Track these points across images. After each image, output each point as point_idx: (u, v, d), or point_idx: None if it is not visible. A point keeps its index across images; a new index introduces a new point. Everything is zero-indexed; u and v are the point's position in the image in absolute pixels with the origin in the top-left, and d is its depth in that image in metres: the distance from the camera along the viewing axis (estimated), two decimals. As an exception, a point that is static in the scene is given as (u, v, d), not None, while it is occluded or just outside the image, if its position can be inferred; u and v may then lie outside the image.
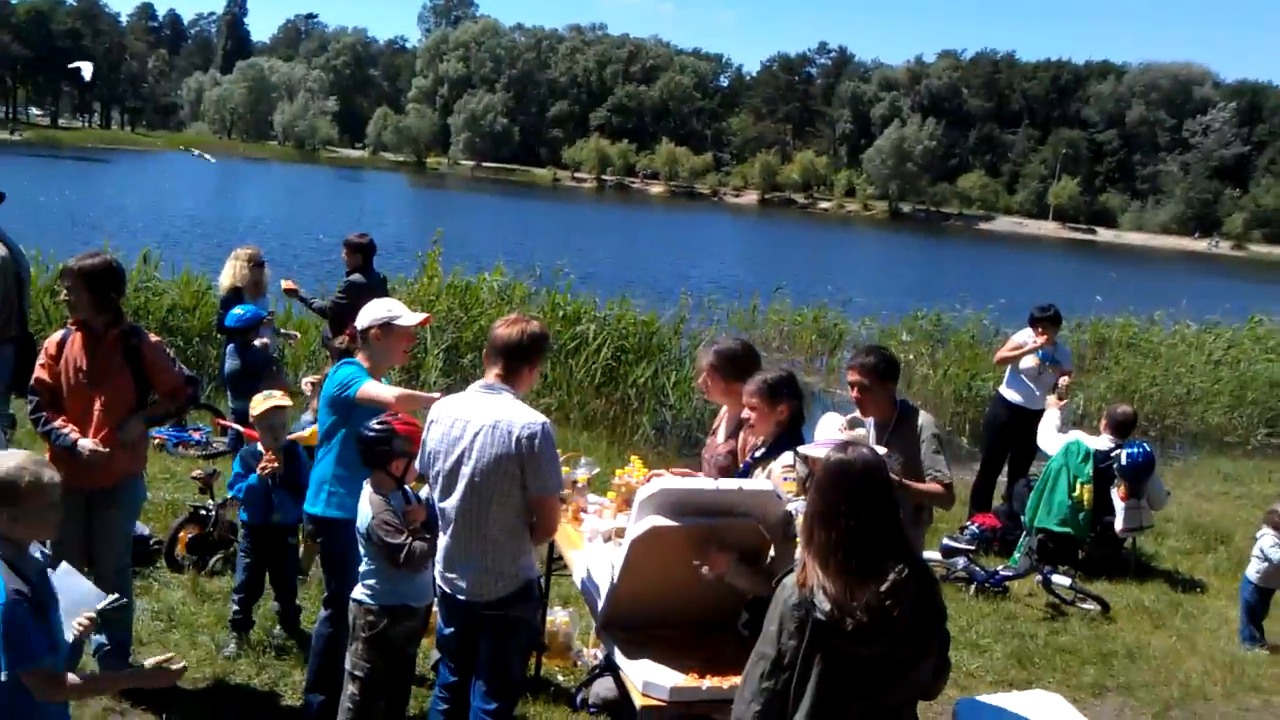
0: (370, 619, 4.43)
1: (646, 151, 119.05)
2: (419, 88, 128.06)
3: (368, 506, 4.43)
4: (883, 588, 3.12)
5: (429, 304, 12.58)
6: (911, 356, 16.87)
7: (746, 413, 4.80)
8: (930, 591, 3.26)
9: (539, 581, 4.80)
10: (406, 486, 4.53)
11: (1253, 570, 7.53)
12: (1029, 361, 9.25)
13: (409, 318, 5.00)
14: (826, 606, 3.09)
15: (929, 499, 5.22)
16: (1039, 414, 9.32)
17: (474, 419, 4.17)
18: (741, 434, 5.09)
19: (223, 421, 8.56)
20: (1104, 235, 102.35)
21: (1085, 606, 7.65)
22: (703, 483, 4.47)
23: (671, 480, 4.40)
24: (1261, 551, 7.47)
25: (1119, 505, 8.50)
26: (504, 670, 4.29)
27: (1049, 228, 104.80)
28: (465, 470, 4.15)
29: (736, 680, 3.73)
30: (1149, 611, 7.75)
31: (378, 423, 4.47)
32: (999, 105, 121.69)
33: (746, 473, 4.74)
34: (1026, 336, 9.35)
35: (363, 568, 4.51)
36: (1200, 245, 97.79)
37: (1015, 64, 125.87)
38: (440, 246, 13.31)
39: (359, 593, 4.51)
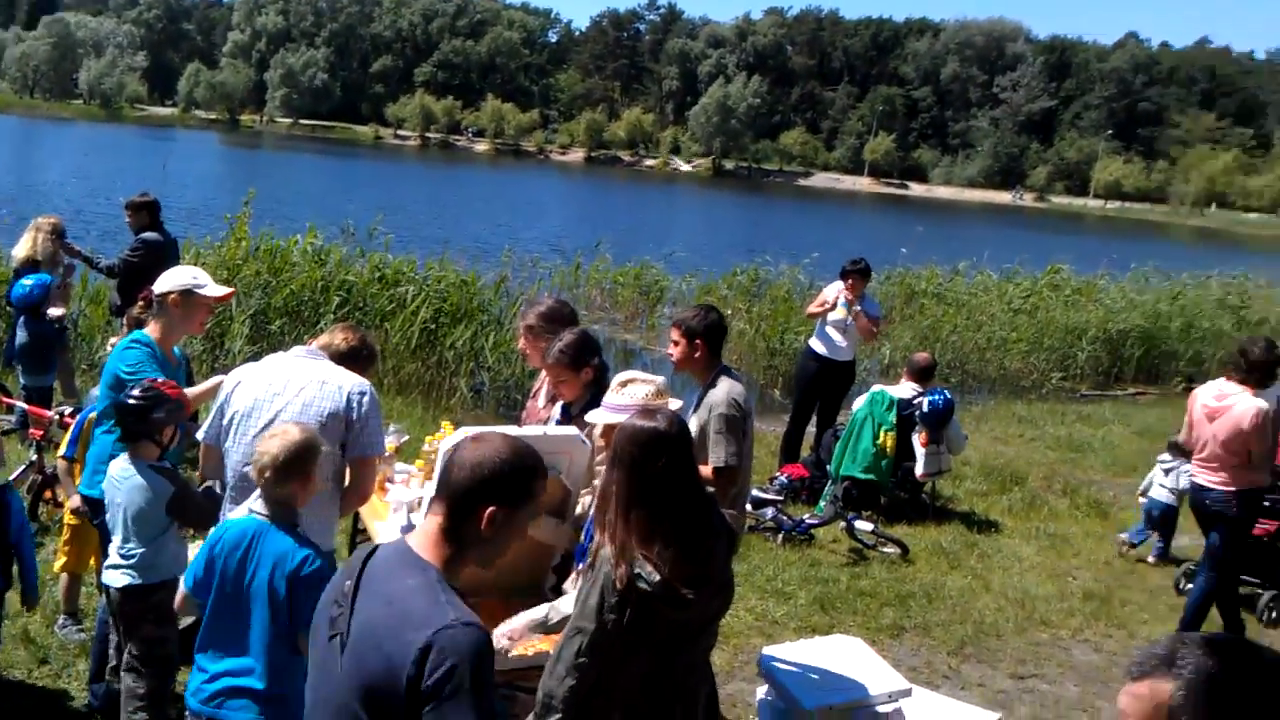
0: (154, 599, 4.27)
1: (472, 108, 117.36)
2: (235, 42, 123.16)
3: (139, 479, 4.27)
4: (700, 552, 3.17)
5: (236, 269, 12.14)
6: (730, 312, 17.16)
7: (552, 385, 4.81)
8: (733, 546, 3.34)
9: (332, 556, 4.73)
10: None
11: (1160, 492, 8.29)
12: (836, 314, 9.49)
13: (213, 289, 4.83)
14: (655, 578, 3.06)
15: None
16: (846, 365, 9.64)
17: (296, 378, 4.09)
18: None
19: (8, 400, 8.10)
20: (916, 190, 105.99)
21: (886, 550, 7.97)
22: (505, 429, 4.43)
23: (473, 429, 4.35)
24: (1163, 474, 8.24)
25: (919, 451, 8.87)
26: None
27: (864, 183, 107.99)
28: None
29: (544, 647, 3.80)
30: (946, 553, 8.12)
31: (141, 390, 4.30)
32: (821, 63, 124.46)
33: None
34: (836, 290, 9.57)
35: (122, 549, 4.32)
36: (1005, 198, 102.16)
37: (839, 21, 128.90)
38: (250, 209, 12.85)
39: (122, 578, 4.31)
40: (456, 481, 2.42)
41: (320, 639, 2.47)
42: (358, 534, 5.57)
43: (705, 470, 4.91)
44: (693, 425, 5.12)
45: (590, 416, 4.23)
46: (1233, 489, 6.25)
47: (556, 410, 5.02)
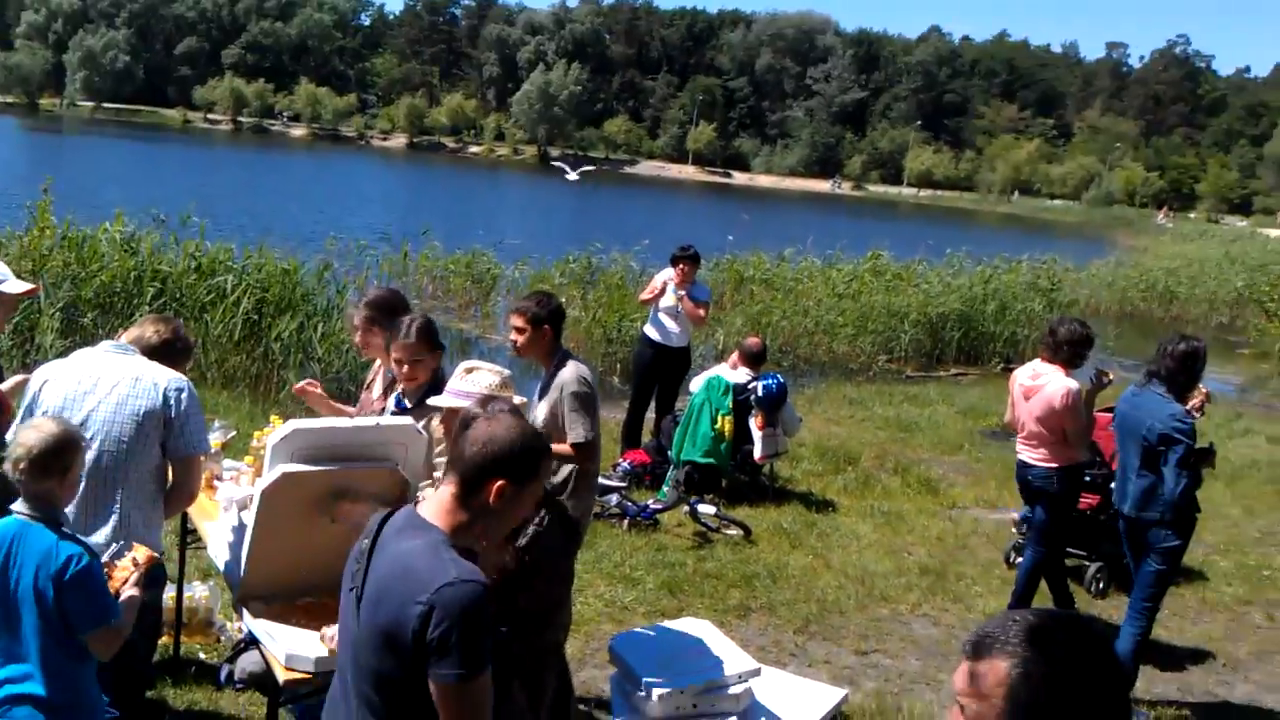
0: None
1: (286, 92, 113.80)
2: (29, 23, 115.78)
3: None
4: (523, 541, 3.20)
5: (42, 260, 11.45)
6: (565, 300, 17.06)
7: (395, 365, 4.66)
8: (574, 536, 3.31)
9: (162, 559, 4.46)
10: None
11: None
12: (667, 301, 9.54)
13: (14, 284, 4.49)
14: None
15: (564, 459, 5.11)
16: (680, 351, 9.69)
17: (108, 374, 3.87)
18: (399, 387, 4.90)
19: None
20: (739, 178, 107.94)
21: (729, 532, 8.03)
22: (339, 422, 4.24)
23: (305, 421, 4.14)
24: None
25: (757, 434, 8.98)
26: (126, 657, 3.94)
27: (689, 171, 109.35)
28: (97, 427, 3.85)
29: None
30: (787, 533, 8.23)
31: None
32: (639, 52, 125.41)
33: None
34: (667, 276, 9.63)
35: None
36: (825, 186, 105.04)
37: (653, 11, 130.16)
38: (51, 196, 12.07)
39: None
40: (469, 456, 2.58)
41: (344, 594, 2.69)
42: (187, 534, 5.26)
43: (565, 447, 5.00)
44: (543, 409, 5.08)
45: (435, 401, 4.10)
46: (1052, 465, 6.46)
47: (391, 402, 4.88)
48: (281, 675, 3.76)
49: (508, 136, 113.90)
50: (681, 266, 9.51)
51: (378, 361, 5.20)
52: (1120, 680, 1.70)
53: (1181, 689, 6.30)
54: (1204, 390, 6.27)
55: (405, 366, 4.64)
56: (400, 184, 59.46)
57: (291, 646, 3.78)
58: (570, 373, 5.07)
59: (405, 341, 4.60)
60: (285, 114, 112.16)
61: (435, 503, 2.63)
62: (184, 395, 3.95)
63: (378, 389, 5.17)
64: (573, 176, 41.93)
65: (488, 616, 2.46)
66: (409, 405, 4.67)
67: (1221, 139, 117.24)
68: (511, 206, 48.91)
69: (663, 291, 9.54)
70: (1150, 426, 5.70)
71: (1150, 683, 6.25)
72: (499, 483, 2.57)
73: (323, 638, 3.71)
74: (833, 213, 62.01)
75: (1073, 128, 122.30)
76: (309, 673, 3.73)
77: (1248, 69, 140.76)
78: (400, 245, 18.69)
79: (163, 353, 4.13)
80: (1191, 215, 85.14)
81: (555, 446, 5.02)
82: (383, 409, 4.93)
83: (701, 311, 9.69)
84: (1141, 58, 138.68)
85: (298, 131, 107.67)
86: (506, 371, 4.25)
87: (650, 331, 9.77)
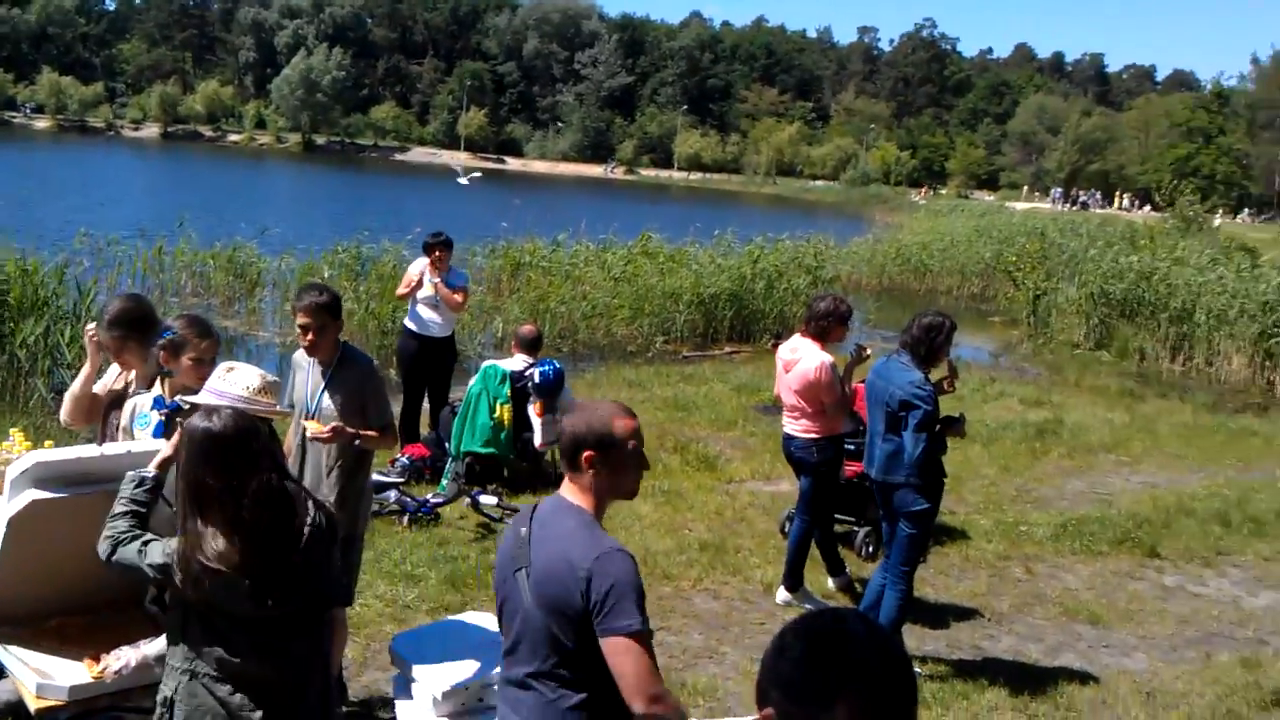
0: None
1: (27, 82, 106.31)
2: None
3: None
4: (298, 544, 3.13)
5: None
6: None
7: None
8: (333, 532, 3.32)
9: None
10: None
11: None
12: (425, 291, 9.44)
13: None
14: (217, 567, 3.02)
15: (372, 444, 5.16)
16: (445, 341, 9.62)
17: None
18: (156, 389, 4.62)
19: None
20: (513, 164, 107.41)
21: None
22: (85, 450, 4.00)
23: (45, 452, 3.89)
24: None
25: (536, 421, 8.97)
26: None
27: (462, 158, 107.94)
28: None
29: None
30: (570, 518, 8.21)
31: None
32: (403, 36, 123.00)
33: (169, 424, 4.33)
34: (421, 267, 9.53)
35: None
36: (598, 171, 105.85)
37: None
38: None
39: None
40: (562, 446, 3.13)
41: (506, 575, 3.11)
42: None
43: (372, 434, 5.11)
44: (338, 399, 5.01)
45: (193, 400, 3.89)
46: (813, 436, 6.71)
47: (150, 400, 4.59)
48: (33, 705, 3.54)
49: (269, 124, 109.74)
50: (437, 254, 9.39)
51: (114, 372, 4.87)
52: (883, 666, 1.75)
53: (949, 644, 6.64)
54: (949, 364, 6.60)
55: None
56: (155, 176, 56.48)
57: (43, 674, 3.55)
58: (364, 358, 5.26)
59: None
60: (27, 105, 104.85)
61: (570, 488, 3.12)
62: None
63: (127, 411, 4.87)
64: (464, 181, 40.85)
65: (639, 579, 2.93)
66: (170, 402, 4.42)
67: (968, 118, 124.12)
68: (276, 196, 47.18)
69: (419, 284, 9.42)
70: (892, 393, 5.96)
71: (920, 640, 6.56)
72: (586, 454, 3.04)
73: (104, 671, 3.52)
74: (606, 197, 62.53)
75: (830, 110, 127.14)
76: (62, 700, 3.51)
77: (990, 50, 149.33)
78: (155, 240, 17.74)
79: None
80: (943, 191, 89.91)
81: (363, 433, 4.96)
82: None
83: (459, 297, 9.55)
84: (891, 41, 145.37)
85: (42, 124, 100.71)
86: (271, 377, 4.11)
87: (410, 323, 9.65)
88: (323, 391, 5.11)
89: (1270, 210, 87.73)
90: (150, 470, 3.43)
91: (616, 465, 3.08)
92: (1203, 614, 7.44)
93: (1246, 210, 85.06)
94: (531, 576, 3.00)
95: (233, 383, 3.87)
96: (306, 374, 5.24)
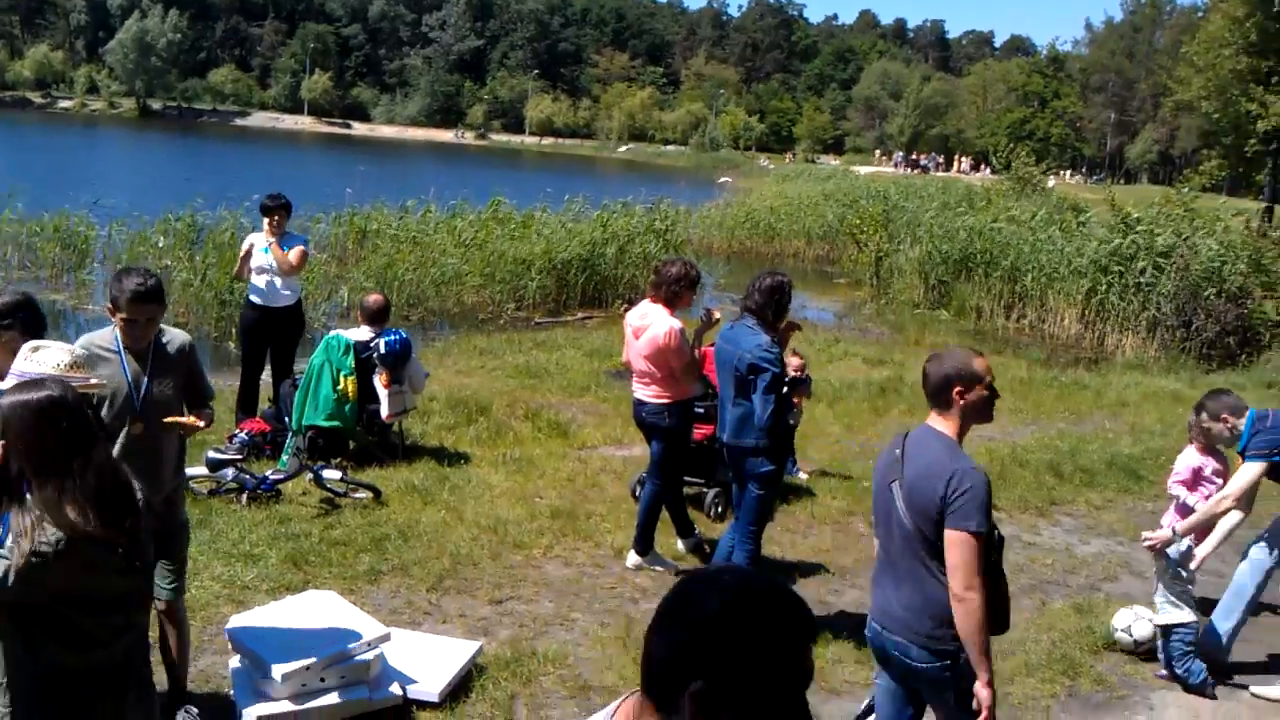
0: None
1: None
2: None
3: None
4: (137, 517, 3.11)
5: None
6: (169, 262, 15.97)
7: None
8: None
9: None
10: None
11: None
12: (259, 259, 9.13)
13: None
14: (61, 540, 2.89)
15: (190, 430, 4.71)
16: (290, 310, 9.30)
17: None
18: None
19: None
20: (360, 129, 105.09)
21: (358, 496, 7.79)
22: None
23: None
24: None
25: (382, 392, 8.74)
26: None
27: (306, 122, 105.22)
28: None
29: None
30: (419, 490, 8.08)
31: None
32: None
33: None
34: (254, 239, 9.26)
35: None
36: (448, 136, 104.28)
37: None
38: None
39: None
40: (933, 383, 3.81)
41: (882, 488, 3.86)
42: None
43: (210, 410, 4.91)
44: (169, 381, 4.66)
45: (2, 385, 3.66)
46: (664, 400, 6.72)
47: None
48: None
49: (102, 89, 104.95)
50: (276, 217, 9.09)
51: None
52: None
53: (795, 600, 6.73)
54: (793, 324, 6.67)
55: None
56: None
57: None
58: (177, 336, 4.76)
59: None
60: None
61: (939, 420, 3.79)
62: None
63: None
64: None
65: (989, 496, 3.60)
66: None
67: (814, 83, 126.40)
68: (110, 164, 45.13)
69: (249, 254, 9.13)
70: (740, 357, 6.01)
71: (766, 597, 6.62)
72: (971, 395, 3.74)
73: None
74: (456, 162, 61.68)
75: (680, 75, 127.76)
76: None
77: (835, 16, 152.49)
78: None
79: None
80: (789, 158, 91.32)
81: (183, 420, 4.63)
82: None
83: (294, 258, 9.15)
84: (740, 7, 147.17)
85: None
86: (78, 349, 3.89)
87: (253, 296, 9.30)
88: (148, 381, 4.57)
89: (1101, 171, 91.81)
90: None
91: (978, 397, 3.75)
92: (1037, 563, 7.73)
93: (1080, 171, 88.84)
94: (904, 487, 3.74)
95: (40, 362, 3.68)
96: (120, 365, 4.51)
